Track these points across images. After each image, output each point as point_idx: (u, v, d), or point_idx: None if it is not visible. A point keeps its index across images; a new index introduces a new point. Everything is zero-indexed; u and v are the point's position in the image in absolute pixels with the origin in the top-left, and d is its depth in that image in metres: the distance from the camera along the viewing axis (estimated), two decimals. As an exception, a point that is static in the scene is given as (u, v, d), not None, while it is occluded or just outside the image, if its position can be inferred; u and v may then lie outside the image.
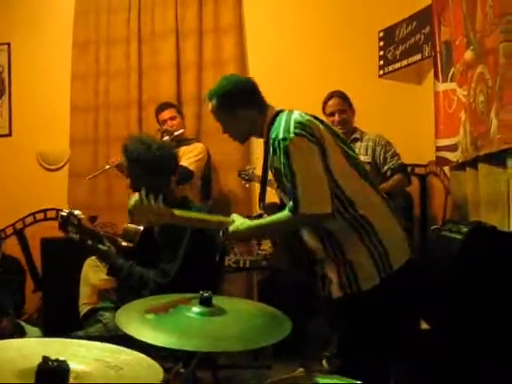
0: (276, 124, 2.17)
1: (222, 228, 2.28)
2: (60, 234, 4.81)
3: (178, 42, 4.82)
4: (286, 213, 2.11)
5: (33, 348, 1.31)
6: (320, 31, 4.62)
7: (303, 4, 4.67)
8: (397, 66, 4.39)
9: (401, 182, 3.69)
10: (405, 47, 4.31)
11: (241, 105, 2.28)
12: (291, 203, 2.08)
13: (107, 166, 4.11)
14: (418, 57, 4.19)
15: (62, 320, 3.48)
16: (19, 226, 5.19)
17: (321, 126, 2.15)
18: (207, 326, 1.82)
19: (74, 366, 1.19)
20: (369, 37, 4.51)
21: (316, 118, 2.21)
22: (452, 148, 3.49)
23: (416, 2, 4.19)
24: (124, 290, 2.84)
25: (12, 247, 4.93)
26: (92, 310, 2.98)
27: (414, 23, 4.22)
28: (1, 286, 4.26)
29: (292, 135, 2.06)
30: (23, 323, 3.60)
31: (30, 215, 5.17)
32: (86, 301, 3.04)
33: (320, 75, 4.49)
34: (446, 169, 3.82)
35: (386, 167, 3.66)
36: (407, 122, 4.27)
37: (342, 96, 3.78)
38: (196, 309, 1.86)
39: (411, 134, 4.18)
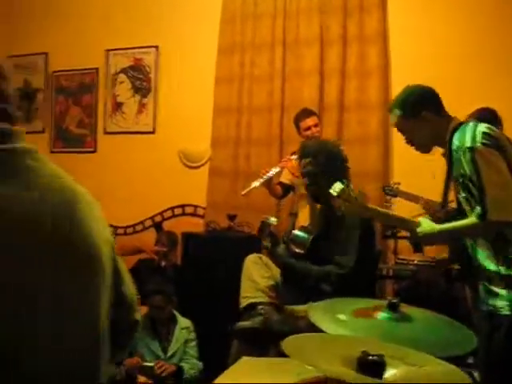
0: (460, 133, 2.22)
1: (408, 228, 2.36)
2: (197, 228, 5.09)
3: (322, 50, 4.87)
4: (473, 219, 2.14)
5: (352, 342, 1.59)
6: (468, 45, 4.49)
7: (452, 17, 4.56)
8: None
9: None
10: None
11: (422, 109, 2.35)
12: (479, 210, 2.10)
13: (260, 181, 4.09)
14: None
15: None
16: (158, 219, 5.47)
17: (504, 138, 2.19)
18: (396, 330, 1.87)
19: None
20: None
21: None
22: None
23: None
24: (284, 289, 2.99)
25: (150, 239, 5.17)
26: (251, 304, 3.12)
27: None
28: (164, 275, 4.49)
29: (479, 145, 2.12)
30: (176, 312, 3.77)
31: (168, 209, 5.43)
32: (246, 294, 3.17)
33: (461, 90, 4.28)
34: None
35: None
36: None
37: None
38: (383, 314, 1.93)
39: None
